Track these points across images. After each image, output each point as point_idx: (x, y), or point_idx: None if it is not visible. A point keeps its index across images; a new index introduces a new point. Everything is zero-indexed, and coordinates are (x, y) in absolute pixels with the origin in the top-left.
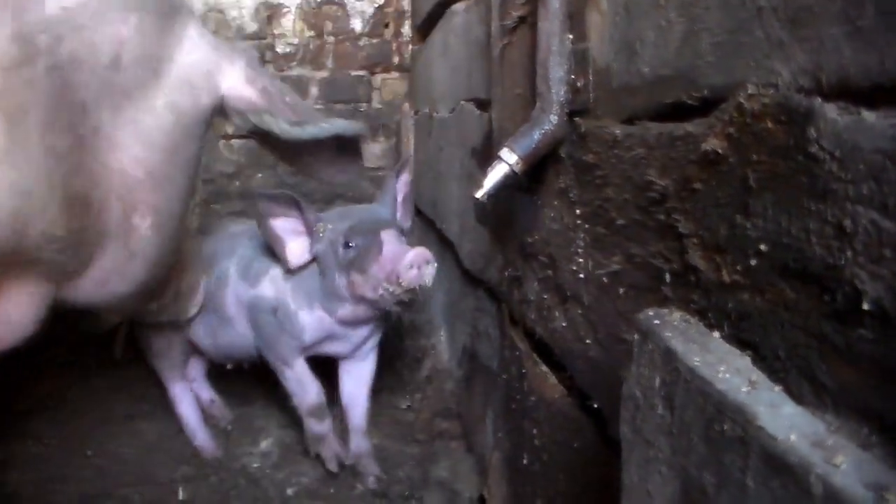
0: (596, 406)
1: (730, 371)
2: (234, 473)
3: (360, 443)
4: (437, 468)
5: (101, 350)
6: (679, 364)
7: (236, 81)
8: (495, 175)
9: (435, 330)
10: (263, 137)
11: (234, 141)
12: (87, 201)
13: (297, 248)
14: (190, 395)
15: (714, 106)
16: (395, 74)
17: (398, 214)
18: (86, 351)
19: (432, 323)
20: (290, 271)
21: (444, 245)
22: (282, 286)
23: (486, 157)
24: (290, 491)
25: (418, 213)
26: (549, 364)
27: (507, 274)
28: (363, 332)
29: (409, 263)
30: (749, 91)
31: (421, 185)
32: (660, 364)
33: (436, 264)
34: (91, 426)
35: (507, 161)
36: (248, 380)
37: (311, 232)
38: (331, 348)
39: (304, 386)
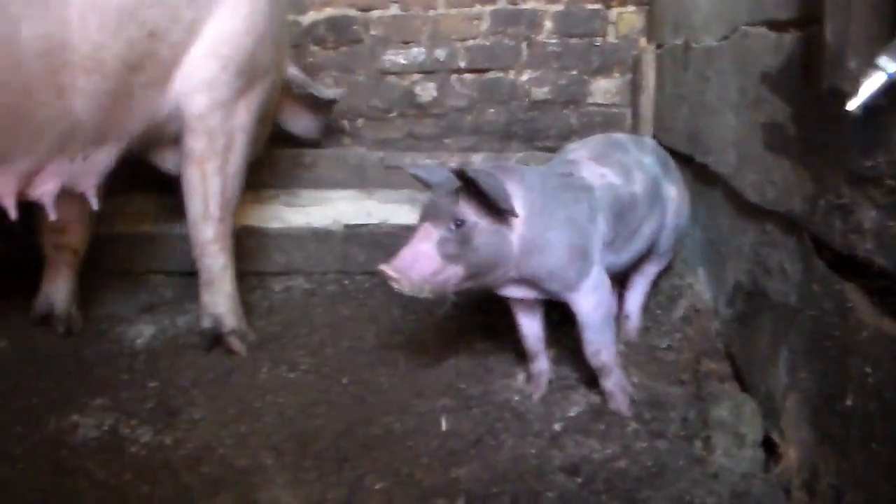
0: None
1: None
2: (496, 407)
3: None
4: (717, 409)
5: (341, 281)
6: None
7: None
8: (872, 84)
9: (690, 269)
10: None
11: (466, 75)
12: None
13: None
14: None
15: None
16: (631, 8)
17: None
18: (325, 280)
19: (687, 262)
20: None
21: (703, 180)
22: None
23: (785, 80)
24: (557, 426)
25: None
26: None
27: (822, 203)
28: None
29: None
30: None
31: (668, 120)
32: None
33: (405, 286)
34: (343, 354)
35: (887, 70)
36: (496, 313)
37: None
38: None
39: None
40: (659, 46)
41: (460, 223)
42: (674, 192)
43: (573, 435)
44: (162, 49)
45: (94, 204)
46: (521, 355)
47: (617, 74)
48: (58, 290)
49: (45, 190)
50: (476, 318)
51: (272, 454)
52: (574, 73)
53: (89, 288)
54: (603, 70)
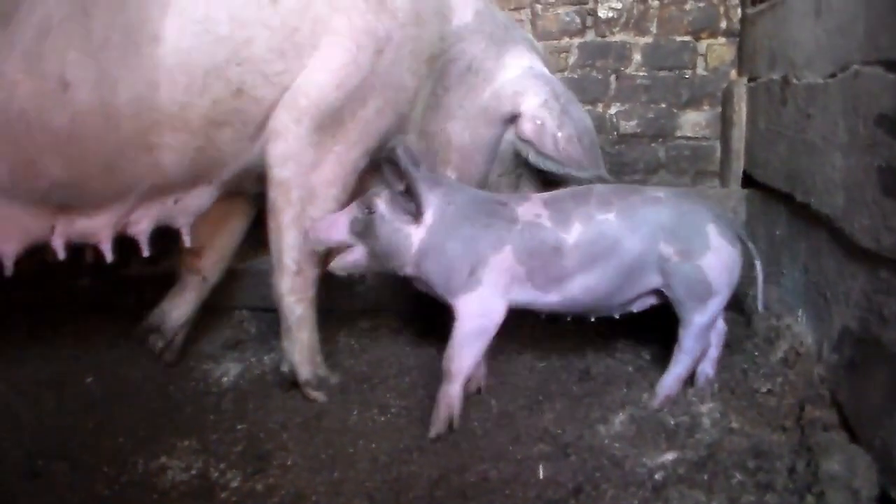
0: None
1: None
2: (595, 453)
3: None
4: (828, 461)
5: (426, 319)
6: None
7: (526, 112)
8: None
9: (789, 310)
10: None
11: None
12: (428, 137)
13: None
14: None
15: None
16: (721, 40)
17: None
18: (412, 319)
19: (784, 302)
20: None
21: (804, 219)
22: None
23: None
24: (658, 475)
25: (753, 185)
26: None
27: None
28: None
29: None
30: None
31: (762, 155)
32: None
33: (311, 238)
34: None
35: None
36: (591, 356)
37: None
38: None
39: None
40: (751, 80)
41: (371, 211)
42: (671, 252)
43: (677, 485)
44: (249, 105)
45: (188, 241)
46: (617, 399)
47: (707, 107)
48: (175, 307)
49: (139, 229)
50: (570, 360)
51: (366, 502)
52: (663, 106)
53: None
54: (692, 103)
